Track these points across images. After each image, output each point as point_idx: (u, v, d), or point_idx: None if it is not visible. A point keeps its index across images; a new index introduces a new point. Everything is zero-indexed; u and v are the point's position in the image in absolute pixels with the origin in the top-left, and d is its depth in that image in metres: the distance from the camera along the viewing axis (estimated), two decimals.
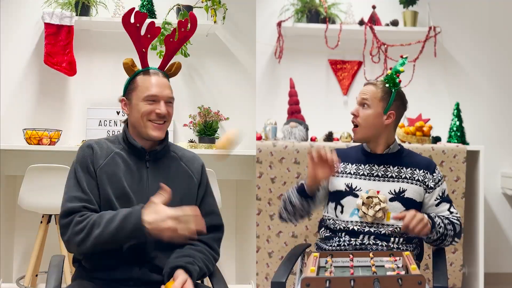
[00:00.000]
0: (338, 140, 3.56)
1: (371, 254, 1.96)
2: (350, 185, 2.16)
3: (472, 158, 3.49)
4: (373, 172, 2.17)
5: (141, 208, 1.72)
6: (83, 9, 3.52)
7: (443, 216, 2.16)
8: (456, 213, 2.20)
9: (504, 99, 4.07)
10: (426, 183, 2.18)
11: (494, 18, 4.07)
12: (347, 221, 2.13)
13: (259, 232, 3.36)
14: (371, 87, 2.17)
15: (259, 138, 3.52)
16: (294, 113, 3.63)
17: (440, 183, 2.20)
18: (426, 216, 2.05)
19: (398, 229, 2.11)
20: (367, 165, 2.18)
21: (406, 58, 2.22)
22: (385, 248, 2.08)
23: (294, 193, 2.18)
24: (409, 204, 2.13)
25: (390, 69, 2.20)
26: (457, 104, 3.71)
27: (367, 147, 2.23)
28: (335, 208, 2.16)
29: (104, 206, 1.80)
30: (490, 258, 3.80)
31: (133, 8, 1.95)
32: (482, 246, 3.41)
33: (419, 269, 2.16)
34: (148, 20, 1.95)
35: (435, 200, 2.18)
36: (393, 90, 2.15)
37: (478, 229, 3.44)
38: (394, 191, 2.13)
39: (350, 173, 2.19)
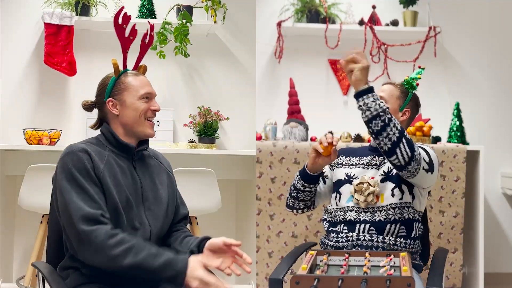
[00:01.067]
0: None
1: (367, 254, 1.96)
2: (349, 174, 2.25)
3: (472, 158, 3.49)
4: (372, 162, 2.24)
5: (187, 260, 1.68)
6: (83, 9, 3.52)
7: None
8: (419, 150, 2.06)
9: (504, 99, 4.07)
10: None
11: (494, 18, 4.07)
12: (345, 208, 2.19)
13: (259, 232, 3.36)
14: (389, 86, 2.30)
15: (259, 138, 3.52)
16: (294, 113, 3.63)
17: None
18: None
19: (392, 209, 2.12)
20: (369, 157, 2.26)
21: (424, 69, 2.36)
22: (380, 243, 2.09)
23: (298, 178, 2.28)
24: (398, 179, 2.14)
25: (407, 76, 2.32)
26: (457, 104, 3.71)
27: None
28: (335, 197, 2.25)
29: (110, 212, 1.75)
30: (490, 258, 3.80)
31: (123, 7, 1.98)
32: (482, 246, 3.41)
33: (419, 271, 2.17)
34: (132, 22, 2.00)
35: None
36: (410, 91, 2.28)
37: (478, 229, 3.44)
38: (384, 172, 2.18)
39: (352, 164, 2.28)
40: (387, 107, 1.98)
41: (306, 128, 3.52)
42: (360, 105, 1.98)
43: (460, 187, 3.38)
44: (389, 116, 1.97)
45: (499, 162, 4.03)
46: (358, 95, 1.98)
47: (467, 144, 3.61)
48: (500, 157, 4.03)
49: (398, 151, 1.97)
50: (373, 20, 3.96)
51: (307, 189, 2.26)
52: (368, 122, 1.98)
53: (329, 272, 1.84)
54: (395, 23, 3.93)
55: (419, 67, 2.37)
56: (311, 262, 1.87)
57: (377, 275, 1.71)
